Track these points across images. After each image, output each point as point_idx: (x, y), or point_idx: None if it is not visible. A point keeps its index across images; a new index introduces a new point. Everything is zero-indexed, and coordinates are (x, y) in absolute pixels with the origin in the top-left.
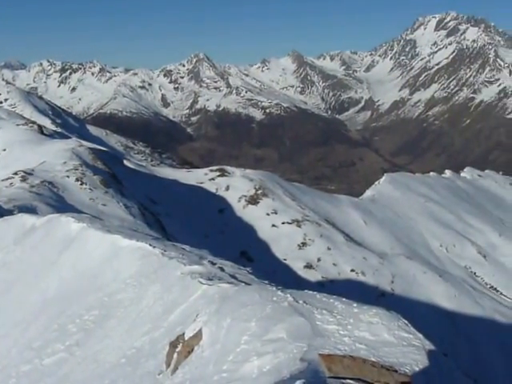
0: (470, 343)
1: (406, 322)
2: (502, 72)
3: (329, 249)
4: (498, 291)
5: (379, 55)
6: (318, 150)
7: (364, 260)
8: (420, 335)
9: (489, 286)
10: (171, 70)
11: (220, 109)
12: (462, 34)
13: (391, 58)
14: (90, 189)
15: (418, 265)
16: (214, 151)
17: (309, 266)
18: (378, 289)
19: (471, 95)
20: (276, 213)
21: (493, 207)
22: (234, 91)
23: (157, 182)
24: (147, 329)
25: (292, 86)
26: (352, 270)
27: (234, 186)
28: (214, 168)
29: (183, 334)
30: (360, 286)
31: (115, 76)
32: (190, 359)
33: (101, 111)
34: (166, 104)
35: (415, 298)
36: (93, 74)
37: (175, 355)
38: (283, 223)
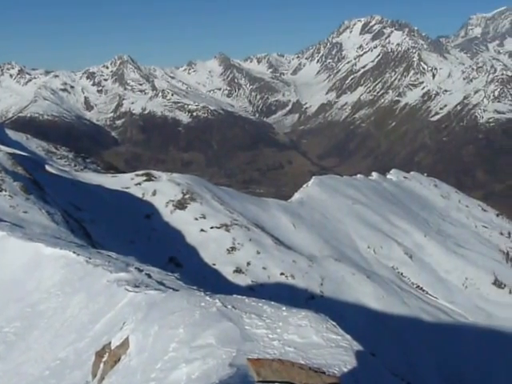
0: (397, 342)
1: (335, 323)
2: (425, 75)
3: (258, 253)
4: (423, 290)
5: (306, 58)
6: (246, 153)
7: (293, 263)
8: (348, 336)
9: (415, 286)
10: (94, 73)
11: (145, 112)
12: (386, 38)
13: (318, 61)
14: (9, 196)
15: (347, 266)
16: (139, 155)
17: (238, 271)
18: (308, 291)
19: (396, 98)
20: (204, 217)
21: (418, 208)
22: (160, 94)
23: (81, 187)
24: (72, 339)
25: (219, 89)
26: (282, 274)
27: (161, 191)
28: (140, 172)
29: (109, 343)
30: (290, 289)
31: (35, 78)
32: (117, 368)
33: (20, 115)
34: (89, 107)
35: (344, 300)
36: (11, 75)
37: (101, 365)
38: (212, 228)
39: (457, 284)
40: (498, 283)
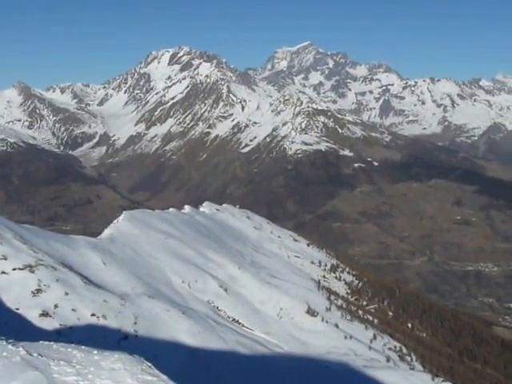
0: (214, 378)
1: (150, 364)
2: (235, 107)
3: (66, 294)
4: (239, 323)
5: (113, 88)
6: (51, 188)
7: (105, 303)
8: (164, 377)
9: (231, 319)
10: None
11: None
12: (195, 69)
13: (126, 92)
14: None
15: (161, 303)
16: None
17: (45, 314)
18: (121, 331)
19: (207, 130)
20: (6, 258)
21: (232, 240)
22: None
23: None
24: None
25: (19, 120)
26: (93, 315)
27: None
28: None
29: None
30: (102, 330)
31: None
32: None
33: None
34: None
35: (159, 338)
36: None
37: None
38: (14, 269)
39: (272, 314)
40: (311, 311)
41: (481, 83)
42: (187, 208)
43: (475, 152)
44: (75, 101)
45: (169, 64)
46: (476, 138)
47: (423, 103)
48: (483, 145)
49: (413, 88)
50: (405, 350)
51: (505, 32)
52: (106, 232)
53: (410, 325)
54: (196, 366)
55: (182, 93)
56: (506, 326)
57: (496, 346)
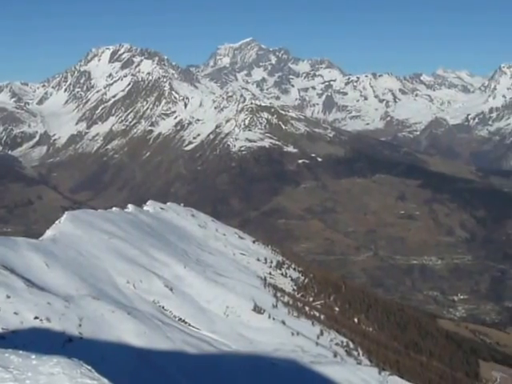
0: (162, 378)
1: (90, 367)
2: (177, 105)
3: (8, 297)
4: (186, 322)
5: (53, 87)
6: None
7: (48, 305)
8: (105, 380)
9: (177, 319)
10: None
11: None
12: (136, 67)
13: (66, 90)
14: None
15: (106, 304)
16: None
17: None
18: (65, 334)
19: (149, 128)
20: None
21: (177, 239)
22: None
23: None
24: None
25: None
26: (36, 318)
27: None
28: None
29: None
30: (45, 333)
31: None
32: None
33: None
34: None
35: (105, 340)
36: None
37: None
38: None
39: (218, 313)
40: (257, 309)
41: (422, 78)
42: (131, 207)
43: (417, 147)
44: (14, 100)
45: (110, 61)
46: (418, 133)
47: (366, 99)
48: (425, 139)
49: (355, 83)
50: (351, 345)
51: (444, 27)
52: (48, 233)
53: (356, 320)
54: (143, 367)
55: (123, 90)
56: (450, 319)
57: (441, 339)
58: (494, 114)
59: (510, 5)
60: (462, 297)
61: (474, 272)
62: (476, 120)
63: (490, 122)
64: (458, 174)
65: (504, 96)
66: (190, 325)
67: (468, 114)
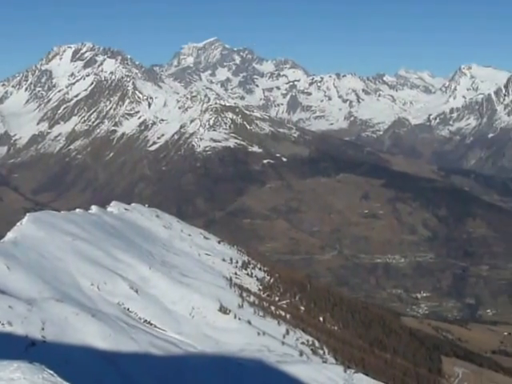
0: (128, 380)
1: (52, 372)
2: (141, 104)
3: None
4: (151, 324)
5: (13, 86)
6: None
7: (10, 309)
8: None
9: (143, 321)
10: None
11: None
12: (99, 66)
13: (26, 89)
14: None
15: (70, 307)
16: None
17: None
18: (28, 338)
19: (113, 128)
20: None
21: (141, 240)
22: None
23: None
24: None
25: None
26: None
27: None
28: None
29: None
30: (7, 338)
31: None
32: None
33: None
34: None
35: (69, 343)
36: None
37: None
38: None
39: (184, 314)
40: (223, 309)
41: (384, 78)
42: (94, 208)
43: (380, 146)
44: None
45: (71, 60)
46: (381, 133)
47: (329, 99)
48: (388, 139)
49: (319, 84)
50: (317, 344)
51: (406, 29)
52: (9, 235)
53: (321, 318)
54: (108, 370)
55: (86, 90)
56: (413, 316)
57: (404, 336)
58: (454, 115)
59: (468, 10)
60: (424, 294)
61: (436, 270)
62: (437, 120)
63: (450, 122)
64: (420, 173)
65: (464, 96)
66: (155, 326)
67: (430, 114)
